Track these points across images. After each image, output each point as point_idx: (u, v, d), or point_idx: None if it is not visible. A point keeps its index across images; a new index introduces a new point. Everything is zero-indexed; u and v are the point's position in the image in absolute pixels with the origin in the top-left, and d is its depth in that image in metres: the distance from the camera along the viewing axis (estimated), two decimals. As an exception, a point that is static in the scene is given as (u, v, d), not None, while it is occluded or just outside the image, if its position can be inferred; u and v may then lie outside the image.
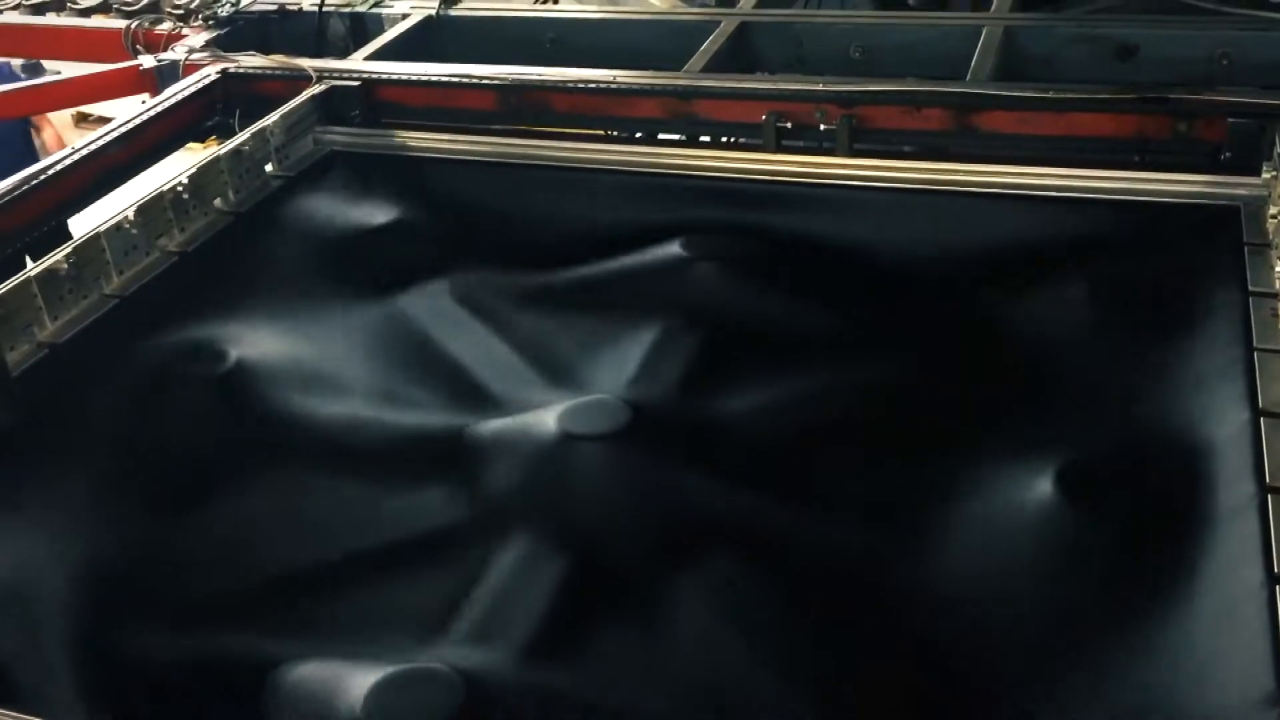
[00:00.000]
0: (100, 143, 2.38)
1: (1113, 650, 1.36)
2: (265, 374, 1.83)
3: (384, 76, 2.66)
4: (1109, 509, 1.50)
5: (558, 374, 1.87)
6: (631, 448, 1.62)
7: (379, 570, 1.57)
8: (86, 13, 3.55)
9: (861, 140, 2.33)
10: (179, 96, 2.63)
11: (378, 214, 2.27)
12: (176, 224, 2.16)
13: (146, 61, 2.88)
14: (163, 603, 1.53)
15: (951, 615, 1.45)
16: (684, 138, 2.61)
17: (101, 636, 1.46)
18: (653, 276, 2.06)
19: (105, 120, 3.16)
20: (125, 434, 1.75)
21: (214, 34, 3.05)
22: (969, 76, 2.42)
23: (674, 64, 2.61)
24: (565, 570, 1.50)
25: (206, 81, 2.70)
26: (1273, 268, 1.80)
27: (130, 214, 2.05)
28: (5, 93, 3.26)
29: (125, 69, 2.94)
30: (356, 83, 2.62)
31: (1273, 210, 1.93)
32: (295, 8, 3.18)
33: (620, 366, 1.86)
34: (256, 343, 1.90)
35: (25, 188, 2.19)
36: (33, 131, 5.22)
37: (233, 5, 3.17)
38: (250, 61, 2.76)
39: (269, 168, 2.41)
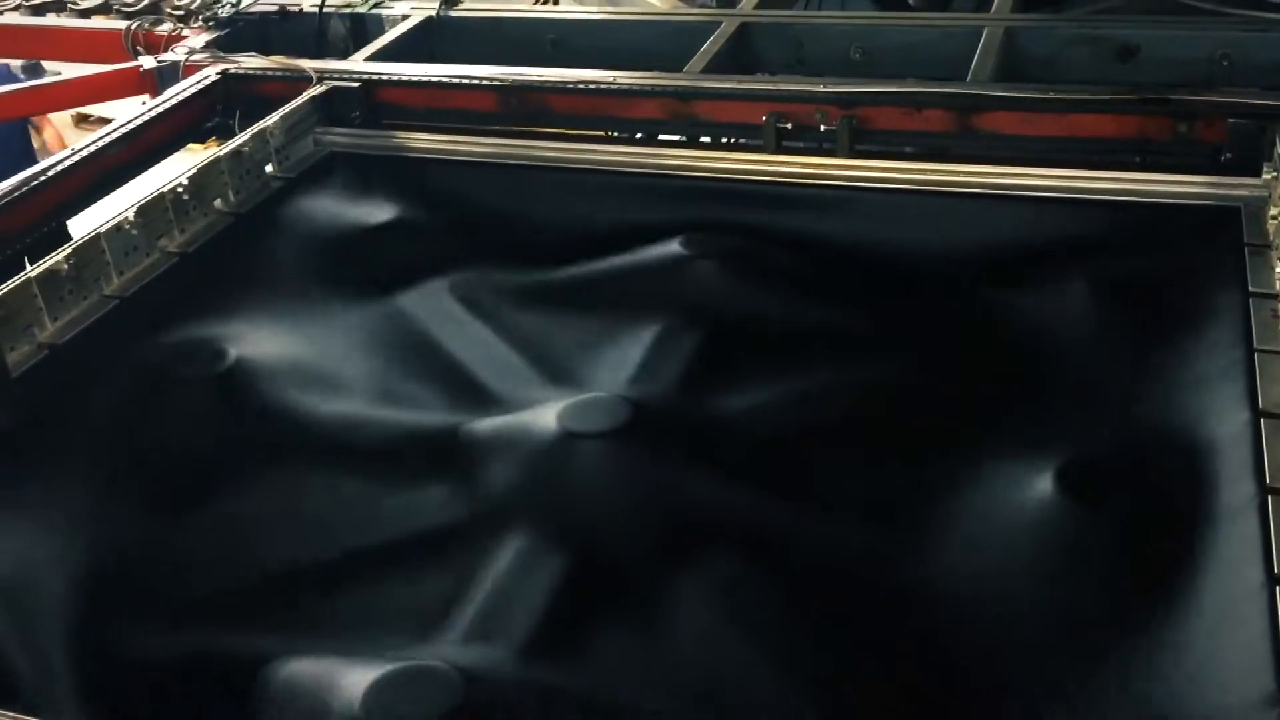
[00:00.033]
0: (100, 144, 2.38)
1: (1113, 650, 1.36)
2: (265, 373, 1.83)
3: (384, 77, 2.66)
4: (1109, 509, 1.50)
5: (558, 372, 1.87)
6: (632, 446, 1.62)
7: (379, 568, 1.57)
8: (87, 14, 3.55)
9: (862, 141, 2.33)
10: (179, 97, 2.63)
11: (378, 215, 2.27)
12: (177, 225, 2.16)
13: (147, 62, 2.88)
14: (163, 601, 1.53)
15: (952, 614, 1.45)
16: (684, 138, 2.61)
17: (102, 635, 1.46)
18: (653, 274, 2.06)
19: (105, 121, 3.16)
20: (125, 434, 1.75)
21: (214, 35, 3.05)
22: (969, 77, 2.42)
23: (674, 65, 2.61)
24: (565, 568, 1.50)
25: (207, 82, 2.70)
26: (1273, 268, 1.80)
27: (130, 215, 2.05)
28: (5, 94, 3.26)
29: (125, 70, 2.94)
30: (357, 84, 2.62)
31: (1273, 211, 1.93)
32: (295, 9, 3.18)
33: (620, 365, 1.86)
34: (257, 343, 1.90)
35: (25, 189, 2.20)
36: (33, 132, 5.23)
37: (233, 6, 3.17)
38: (250, 62, 2.77)
39: (269, 169, 2.41)
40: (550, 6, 3.79)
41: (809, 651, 1.43)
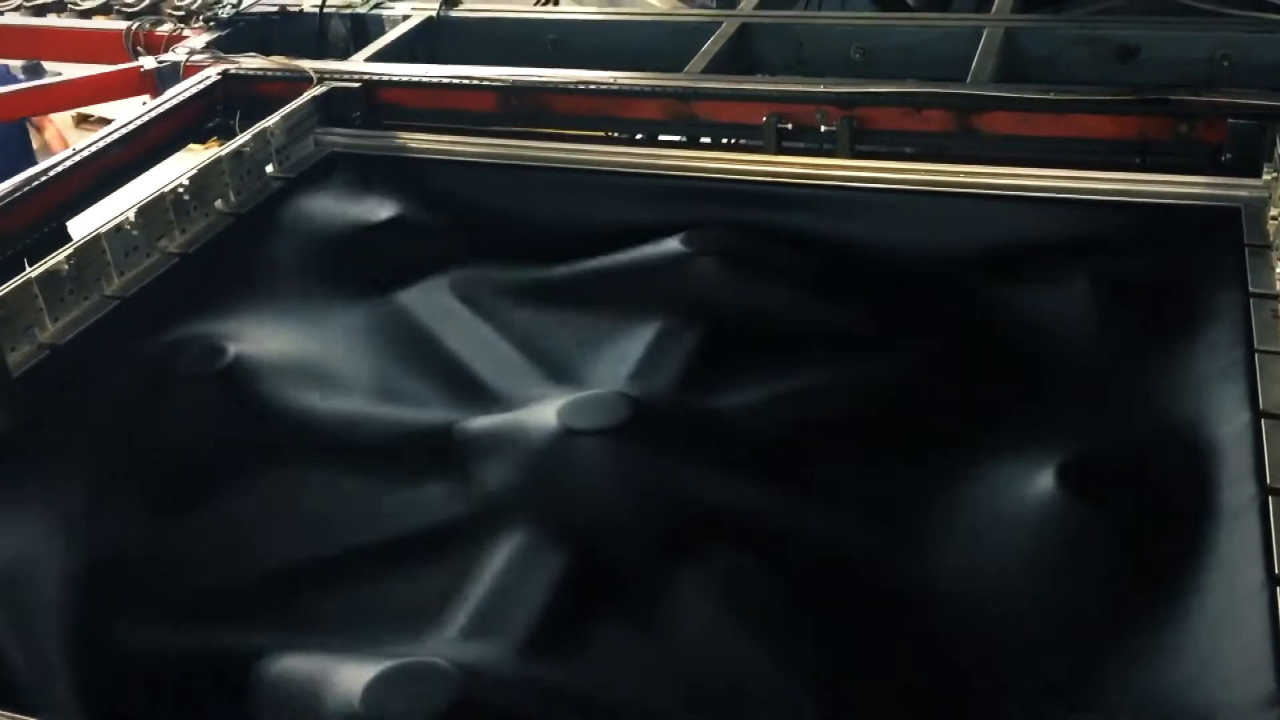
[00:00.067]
0: (101, 144, 2.39)
1: (1113, 650, 1.36)
2: (266, 373, 1.83)
3: (385, 78, 2.66)
4: (1109, 509, 1.50)
5: (558, 369, 1.88)
6: (631, 443, 1.62)
7: (379, 565, 1.57)
8: (87, 14, 3.55)
9: (862, 141, 2.33)
10: (180, 98, 2.63)
11: (379, 215, 2.27)
12: (177, 225, 2.16)
13: (147, 63, 2.88)
14: (163, 600, 1.53)
15: (952, 613, 1.45)
16: (685, 139, 2.61)
17: (102, 634, 1.47)
18: (653, 272, 2.06)
19: (106, 121, 3.16)
20: (126, 434, 1.75)
21: (215, 35, 3.05)
22: (970, 78, 2.42)
23: (674, 65, 2.61)
24: (565, 565, 1.50)
25: (207, 83, 2.70)
26: (1273, 269, 1.80)
27: (131, 215, 2.06)
28: (5, 94, 3.26)
29: (126, 70, 2.94)
30: (357, 84, 2.62)
31: (1273, 212, 1.93)
32: (296, 9, 3.18)
33: (620, 361, 1.86)
34: (257, 342, 1.90)
35: (26, 189, 2.20)
36: (34, 132, 5.23)
37: (233, 7, 3.17)
38: (251, 63, 2.77)
39: (270, 169, 2.41)
40: (551, 7, 3.79)
41: (809, 649, 1.43)
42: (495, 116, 2.58)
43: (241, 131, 2.42)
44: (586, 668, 1.40)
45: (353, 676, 1.29)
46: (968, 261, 2.05)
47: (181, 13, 3.24)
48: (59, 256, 1.92)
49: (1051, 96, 2.22)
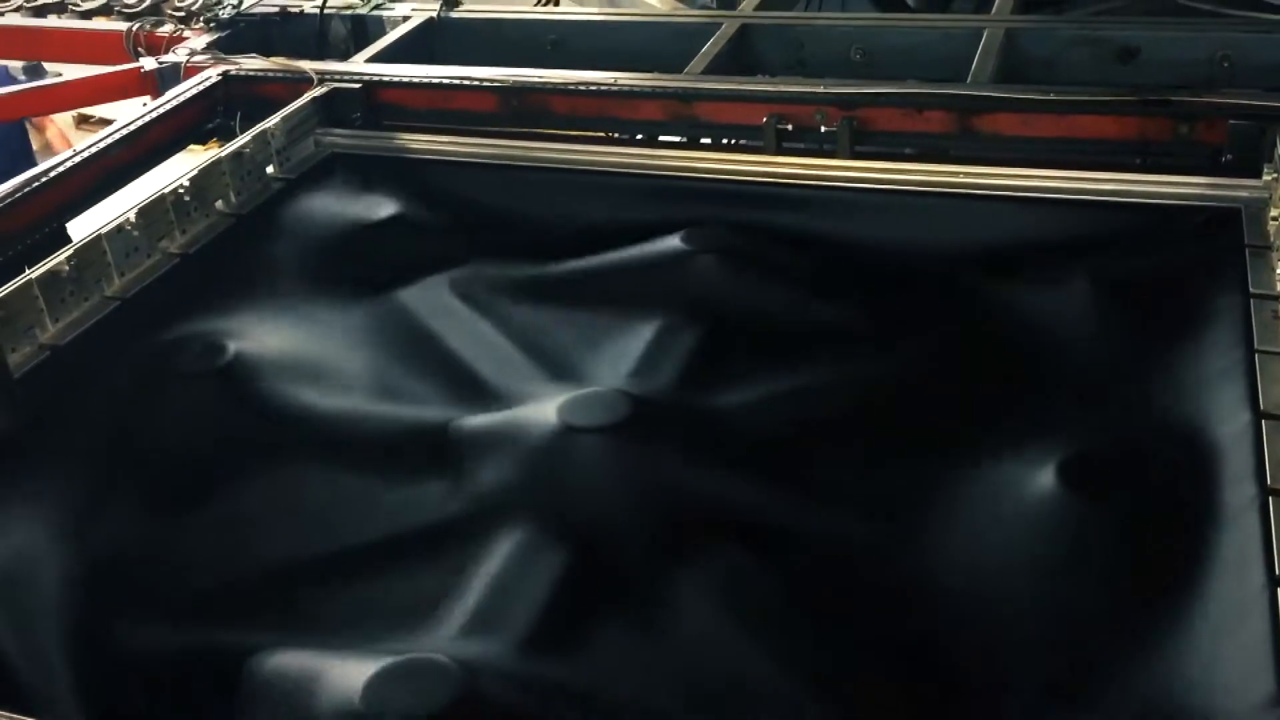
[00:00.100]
0: (102, 145, 2.39)
1: (1114, 651, 1.36)
2: (266, 373, 1.83)
3: (385, 79, 2.66)
4: (1110, 509, 1.50)
5: (558, 367, 1.88)
6: (631, 440, 1.62)
7: (379, 563, 1.57)
8: (88, 15, 3.56)
9: (862, 142, 2.33)
10: (180, 99, 2.63)
11: (379, 216, 2.27)
12: (178, 226, 2.16)
13: (148, 64, 2.88)
14: (162, 598, 1.53)
15: (952, 614, 1.45)
16: (685, 140, 2.61)
17: (102, 633, 1.47)
18: (653, 270, 2.06)
19: (106, 122, 3.16)
20: (125, 433, 1.75)
21: (215, 36, 3.05)
22: (970, 79, 2.42)
23: (675, 66, 2.61)
24: (565, 563, 1.50)
25: (208, 84, 2.70)
26: (1273, 270, 1.80)
27: (132, 216, 2.06)
28: (6, 95, 3.26)
29: (126, 71, 2.94)
30: (357, 85, 2.62)
31: (1273, 212, 1.93)
32: (296, 10, 3.18)
33: (620, 359, 1.86)
34: (257, 341, 1.90)
35: (27, 190, 2.20)
36: (35, 132, 5.23)
37: (234, 7, 3.18)
38: (251, 64, 2.77)
39: (270, 170, 2.41)
40: (551, 8, 3.80)
41: (809, 647, 1.43)
42: (495, 117, 2.58)
43: (242, 132, 2.42)
44: (586, 665, 1.40)
45: (353, 673, 1.29)
46: (968, 262, 2.05)
47: (182, 14, 3.24)
48: (59, 257, 1.92)
49: (1052, 97, 2.22)
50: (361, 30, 3.12)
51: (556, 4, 3.92)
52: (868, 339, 1.94)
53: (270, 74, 2.73)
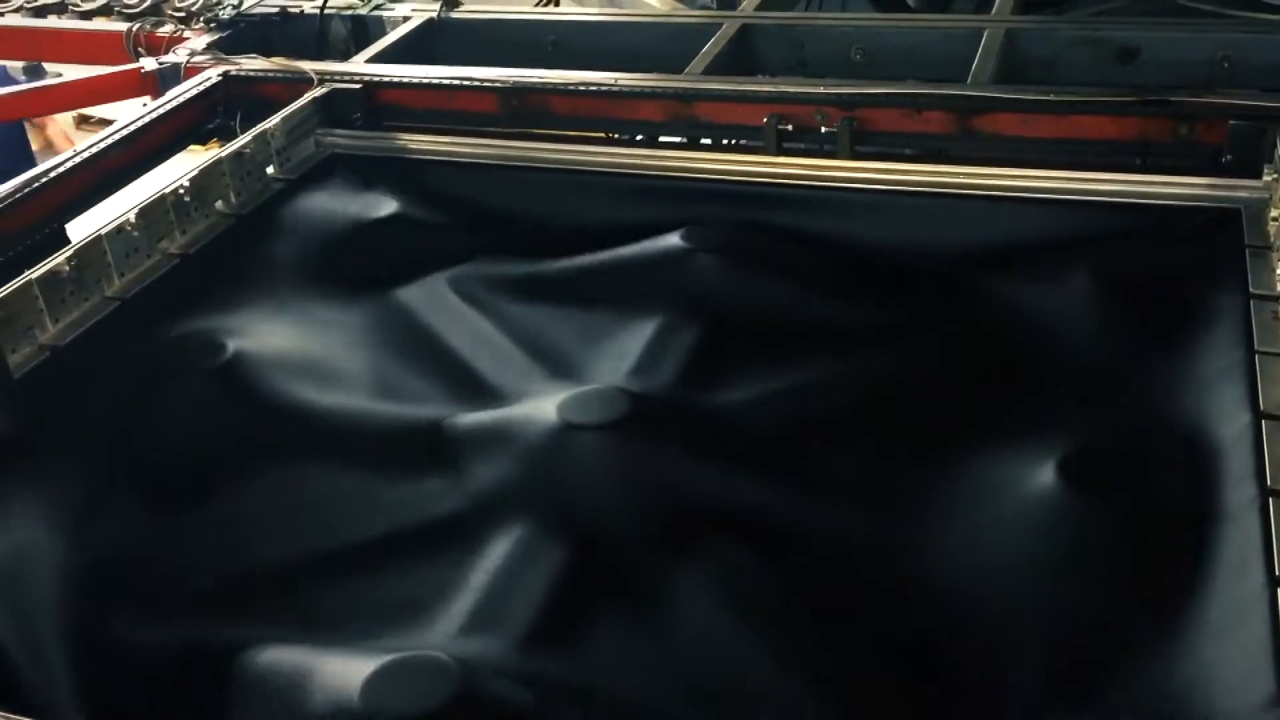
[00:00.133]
0: (102, 145, 2.39)
1: (1114, 652, 1.36)
2: (265, 370, 1.83)
3: (385, 79, 2.66)
4: (1110, 510, 1.50)
5: (558, 365, 1.88)
6: (631, 438, 1.63)
7: (378, 560, 1.57)
8: (88, 15, 3.56)
9: (863, 143, 2.33)
10: (180, 99, 2.63)
11: (379, 216, 2.27)
12: (178, 226, 2.16)
13: (148, 64, 2.88)
14: (162, 597, 1.53)
15: (953, 612, 1.45)
16: (685, 140, 2.61)
17: (102, 631, 1.47)
18: (653, 268, 2.06)
19: (107, 122, 3.16)
20: (125, 432, 1.75)
21: (215, 37, 3.05)
22: (970, 79, 2.42)
23: (675, 66, 2.61)
24: (564, 560, 1.51)
25: (208, 84, 2.70)
26: (1274, 270, 1.80)
27: (132, 216, 2.06)
28: (6, 95, 3.26)
29: (127, 72, 2.94)
30: (358, 85, 2.62)
31: (1274, 213, 1.93)
32: (297, 10, 3.18)
33: (620, 357, 1.86)
34: (257, 339, 1.90)
35: (27, 190, 2.20)
36: (36, 132, 5.23)
37: (234, 8, 3.18)
38: (251, 64, 2.77)
39: (270, 170, 2.41)
40: (551, 8, 3.80)
41: (808, 645, 1.44)
42: (495, 118, 2.58)
43: (242, 133, 2.42)
44: (585, 663, 1.40)
45: (352, 670, 1.29)
46: (967, 262, 2.05)
47: (182, 14, 3.24)
48: (59, 258, 1.92)
49: (1052, 98, 2.22)
50: (362, 30, 3.13)
51: (556, 4, 3.92)
52: (867, 338, 1.94)
53: (270, 74, 2.73)
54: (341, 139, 2.55)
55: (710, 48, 2.70)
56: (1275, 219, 1.92)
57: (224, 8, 3.17)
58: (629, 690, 1.38)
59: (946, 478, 1.63)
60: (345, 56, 2.99)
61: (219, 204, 2.27)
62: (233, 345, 1.85)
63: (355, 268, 2.16)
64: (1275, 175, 1.99)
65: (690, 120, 2.47)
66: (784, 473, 1.67)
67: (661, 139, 2.61)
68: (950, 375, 1.85)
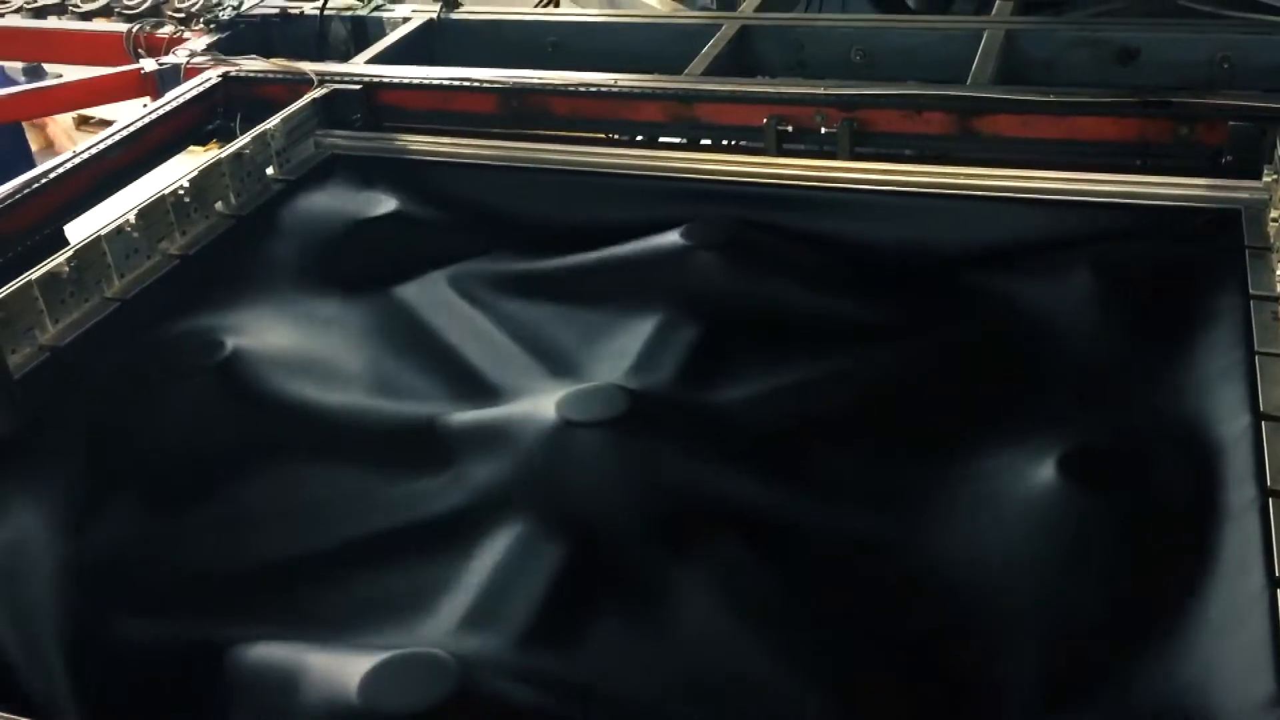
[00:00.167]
0: (101, 146, 2.39)
1: (1113, 651, 1.36)
2: (265, 370, 1.83)
3: (385, 80, 2.66)
4: (1110, 511, 1.50)
5: (557, 362, 1.88)
6: (630, 435, 1.63)
7: (377, 558, 1.57)
8: (88, 16, 3.56)
9: (862, 144, 2.33)
10: (180, 100, 2.63)
11: (379, 217, 2.27)
12: (178, 227, 2.16)
13: (148, 65, 2.89)
14: (162, 595, 1.53)
15: (953, 610, 1.45)
16: (685, 141, 2.61)
17: (101, 629, 1.47)
18: (653, 265, 2.06)
19: (107, 123, 3.16)
20: (125, 434, 1.75)
21: (215, 38, 3.05)
22: (970, 80, 2.42)
23: (675, 67, 2.61)
24: (563, 558, 1.51)
25: (208, 85, 2.70)
26: (1273, 271, 1.80)
27: (131, 217, 2.06)
28: (6, 96, 3.26)
29: (126, 73, 2.94)
30: (357, 86, 2.62)
31: (1273, 214, 1.93)
32: (296, 11, 3.19)
33: (620, 355, 1.86)
34: (256, 339, 1.90)
35: (27, 191, 2.20)
36: (37, 132, 5.23)
37: (234, 9, 3.18)
38: (251, 65, 2.77)
39: (270, 171, 2.41)
40: (551, 9, 3.80)
41: (808, 641, 1.43)
42: (495, 118, 2.58)
43: (242, 134, 2.42)
44: (585, 660, 1.40)
45: (350, 667, 1.29)
46: (968, 262, 2.05)
47: (182, 15, 3.24)
48: (60, 258, 1.92)
49: (1052, 99, 2.22)
50: (361, 31, 3.13)
51: (556, 5, 3.93)
52: (867, 336, 1.94)
53: (270, 75, 2.73)
54: (341, 140, 2.55)
55: (710, 49, 2.70)
56: (1275, 220, 1.92)
57: (224, 9, 3.17)
58: (628, 687, 1.38)
59: (946, 477, 1.63)
60: (345, 57, 2.99)
61: (219, 205, 2.27)
62: (231, 343, 1.85)
63: (355, 267, 2.16)
64: (1275, 176, 1.99)
65: (690, 121, 2.47)
66: (784, 471, 1.67)
67: (661, 140, 2.61)
68: (950, 375, 1.85)
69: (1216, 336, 1.74)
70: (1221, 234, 1.94)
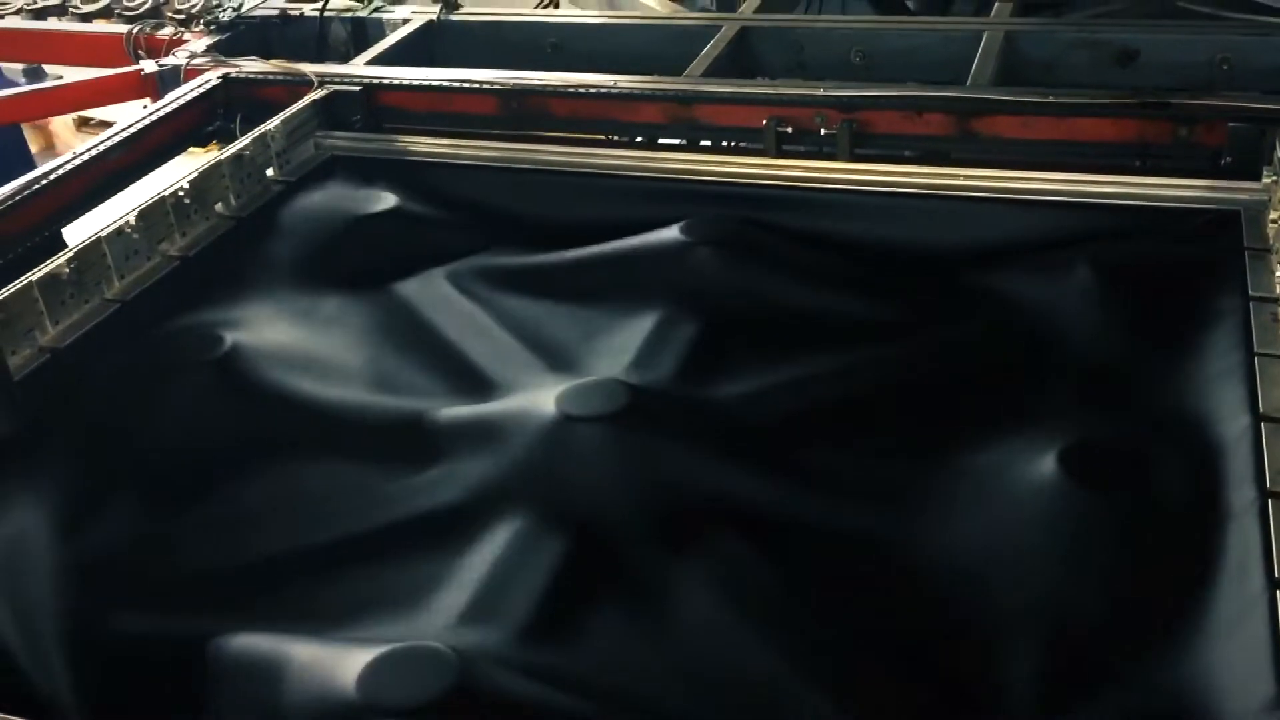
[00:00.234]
0: (102, 147, 2.39)
1: (1113, 652, 1.36)
2: (264, 365, 1.83)
3: (385, 81, 2.67)
4: (1110, 512, 1.50)
5: (556, 358, 1.89)
6: (630, 430, 1.63)
7: (377, 552, 1.58)
8: (88, 18, 3.56)
9: (862, 145, 2.33)
10: (180, 101, 2.63)
11: (379, 219, 2.27)
12: (178, 228, 2.16)
13: (148, 66, 2.89)
14: (162, 593, 1.53)
15: (952, 608, 1.45)
16: (685, 142, 2.61)
17: (101, 625, 1.47)
18: (652, 261, 2.06)
19: (106, 124, 3.16)
20: (125, 430, 1.75)
21: (215, 39, 3.05)
22: (970, 81, 2.42)
23: (675, 69, 2.61)
24: (563, 552, 1.51)
25: (208, 86, 2.70)
26: (1273, 272, 1.80)
27: (131, 218, 2.06)
28: (5, 97, 3.26)
29: (127, 74, 2.94)
30: (357, 87, 2.62)
31: (1273, 215, 1.94)
32: (296, 13, 3.19)
33: (620, 350, 1.87)
34: (255, 335, 1.91)
35: (27, 192, 2.20)
36: (35, 133, 5.22)
37: (234, 10, 3.18)
38: (251, 66, 2.77)
39: (270, 172, 2.41)
40: (551, 10, 3.80)
41: (807, 637, 1.44)
42: (495, 120, 2.58)
43: (242, 135, 2.42)
44: (584, 654, 1.40)
45: (350, 661, 1.29)
46: (968, 263, 2.05)
47: (182, 16, 3.24)
48: (60, 260, 1.92)
49: (1051, 100, 2.22)
50: (361, 33, 3.13)
51: (556, 6, 3.93)
52: (867, 333, 1.94)
53: (270, 76, 2.73)
54: (341, 141, 2.55)
55: (710, 50, 2.70)
56: (1274, 221, 1.92)
57: (224, 10, 3.17)
58: (627, 681, 1.38)
59: (946, 475, 1.63)
60: (345, 59, 3.00)
61: (219, 206, 2.27)
62: (230, 338, 1.85)
63: (355, 263, 2.16)
64: (1274, 177, 1.99)
65: (690, 122, 2.47)
66: (784, 466, 1.67)
67: (661, 141, 2.61)
68: (950, 374, 1.85)
69: (1216, 338, 1.74)
70: (1221, 235, 1.94)
